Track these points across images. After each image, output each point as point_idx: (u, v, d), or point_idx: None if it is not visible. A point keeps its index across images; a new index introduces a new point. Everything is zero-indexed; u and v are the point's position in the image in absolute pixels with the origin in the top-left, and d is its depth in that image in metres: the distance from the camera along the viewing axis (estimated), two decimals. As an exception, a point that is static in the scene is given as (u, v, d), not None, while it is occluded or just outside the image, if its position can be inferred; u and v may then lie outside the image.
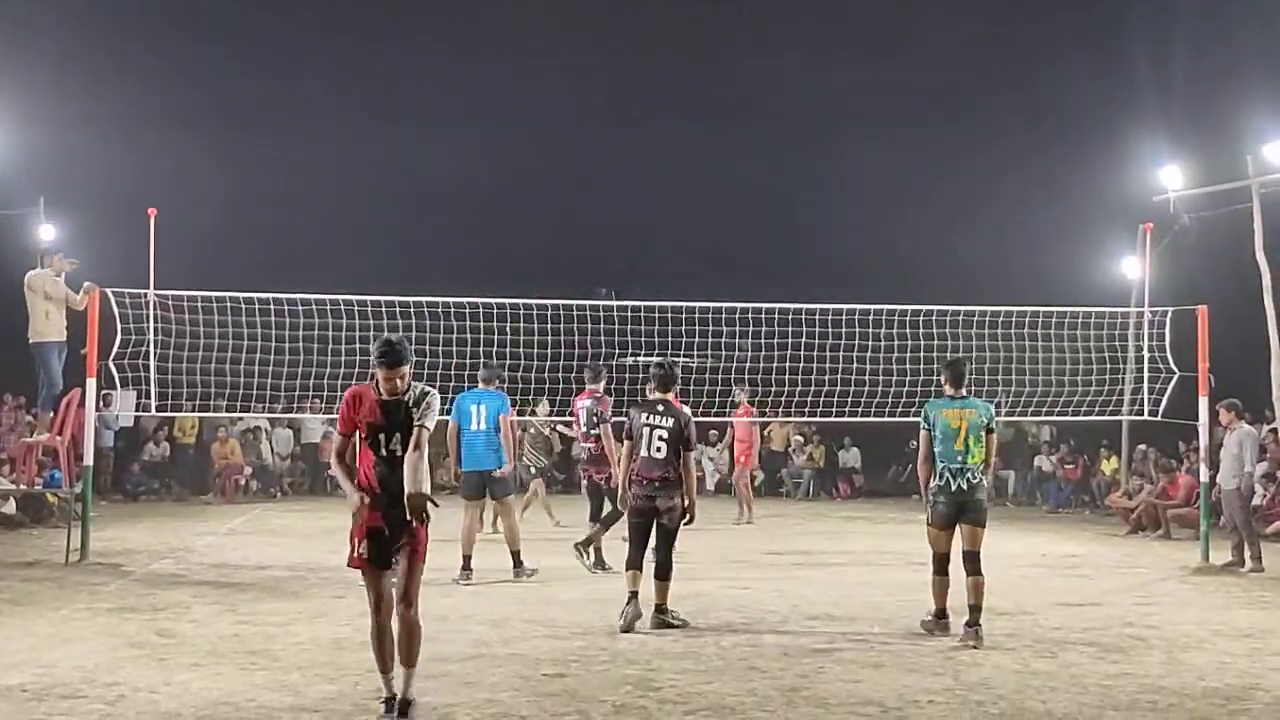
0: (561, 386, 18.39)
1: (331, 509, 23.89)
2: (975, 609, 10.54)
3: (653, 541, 11.08)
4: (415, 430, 7.41)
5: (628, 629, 10.59)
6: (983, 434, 10.76)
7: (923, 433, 10.93)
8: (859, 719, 7.62)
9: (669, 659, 9.44)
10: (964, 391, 11.05)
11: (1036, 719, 7.69)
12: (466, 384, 17.30)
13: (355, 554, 7.54)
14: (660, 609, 10.89)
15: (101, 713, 7.49)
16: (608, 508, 14.29)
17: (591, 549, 14.21)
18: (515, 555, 13.93)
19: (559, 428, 20.43)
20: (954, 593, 10.85)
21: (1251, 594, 13.79)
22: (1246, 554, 15.96)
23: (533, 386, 18.52)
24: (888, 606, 12.09)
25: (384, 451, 7.46)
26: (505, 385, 15.14)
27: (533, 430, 19.83)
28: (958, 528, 10.80)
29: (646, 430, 11.03)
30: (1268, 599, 13.41)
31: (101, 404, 17.14)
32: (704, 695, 8.22)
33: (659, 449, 10.97)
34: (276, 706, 7.72)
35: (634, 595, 10.84)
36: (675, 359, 14.91)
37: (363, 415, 7.49)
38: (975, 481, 10.73)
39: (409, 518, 7.31)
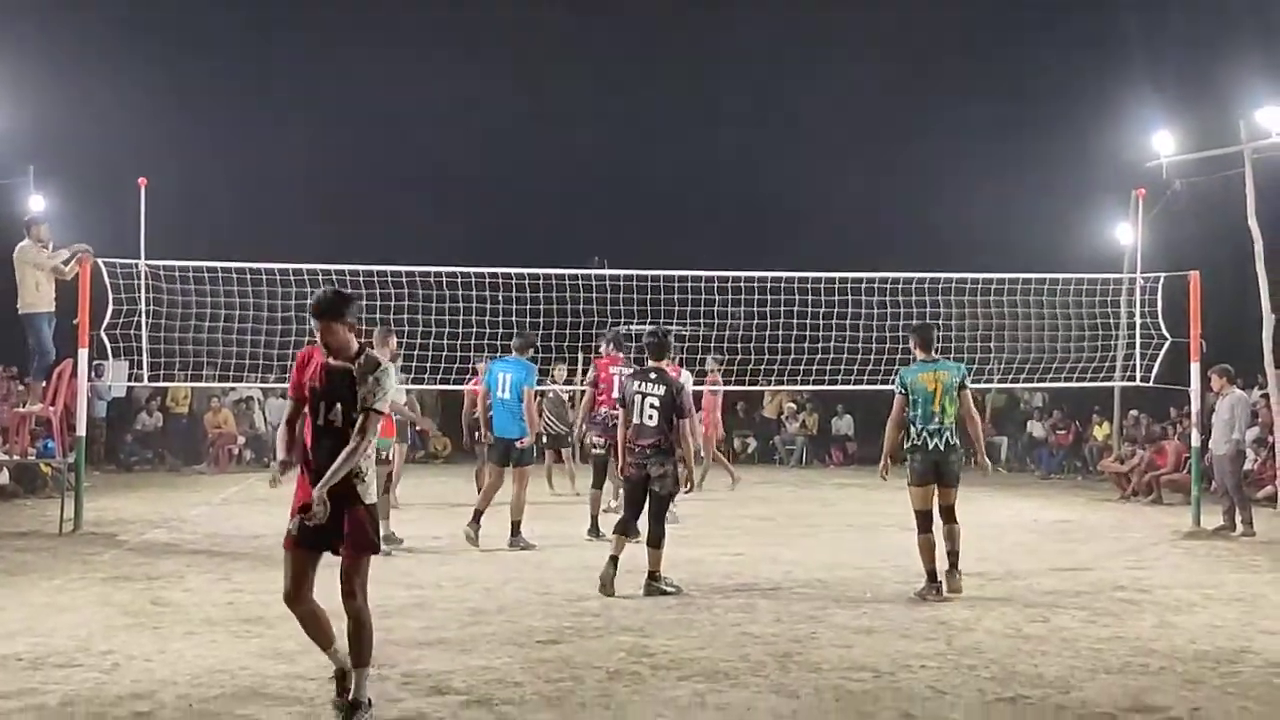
0: (554, 356, 18.39)
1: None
2: (953, 554, 11.08)
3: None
4: (362, 415, 6.72)
5: (605, 589, 10.77)
6: (956, 393, 11.06)
7: (897, 397, 11.19)
8: (852, 684, 7.65)
9: (662, 626, 9.48)
10: (933, 354, 11.34)
11: (1028, 682, 7.73)
12: (459, 354, 17.35)
13: (287, 532, 6.93)
14: (654, 576, 10.94)
15: (97, 680, 7.51)
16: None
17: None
18: (515, 525, 13.95)
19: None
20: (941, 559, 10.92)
21: (1242, 558, 13.86)
22: (1238, 519, 16.03)
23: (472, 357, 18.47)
24: (880, 572, 12.14)
25: (321, 420, 6.79)
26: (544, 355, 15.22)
27: (551, 396, 19.71)
28: (934, 486, 11.08)
29: (638, 398, 11.07)
30: (1258, 563, 13.48)
31: (94, 374, 17.08)
32: (697, 661, 8.25)
33: (650, 416, 11.01)
34: (271, 674, 7.75)
35: (614, 560, 10.95)
36: (669, 328, 15.01)
37: (307, 377, 6.88)
38: (952, 443, 11.04)
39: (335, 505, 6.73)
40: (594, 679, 7.73)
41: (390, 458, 14.07)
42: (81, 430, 15.50)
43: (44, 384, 15.88)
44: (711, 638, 9.07)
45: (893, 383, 11.39)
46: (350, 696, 6.83)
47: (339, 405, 6.75)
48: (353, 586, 6.82)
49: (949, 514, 11.16)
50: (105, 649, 8.37)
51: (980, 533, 15.41)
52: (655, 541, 11.01)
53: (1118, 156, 26.43)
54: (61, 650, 8.31)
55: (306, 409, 6.90)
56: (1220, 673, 8.10)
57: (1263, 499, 19.13)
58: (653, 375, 11.17)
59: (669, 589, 10.92)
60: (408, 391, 17.92)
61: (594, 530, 14.37)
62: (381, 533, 13.12)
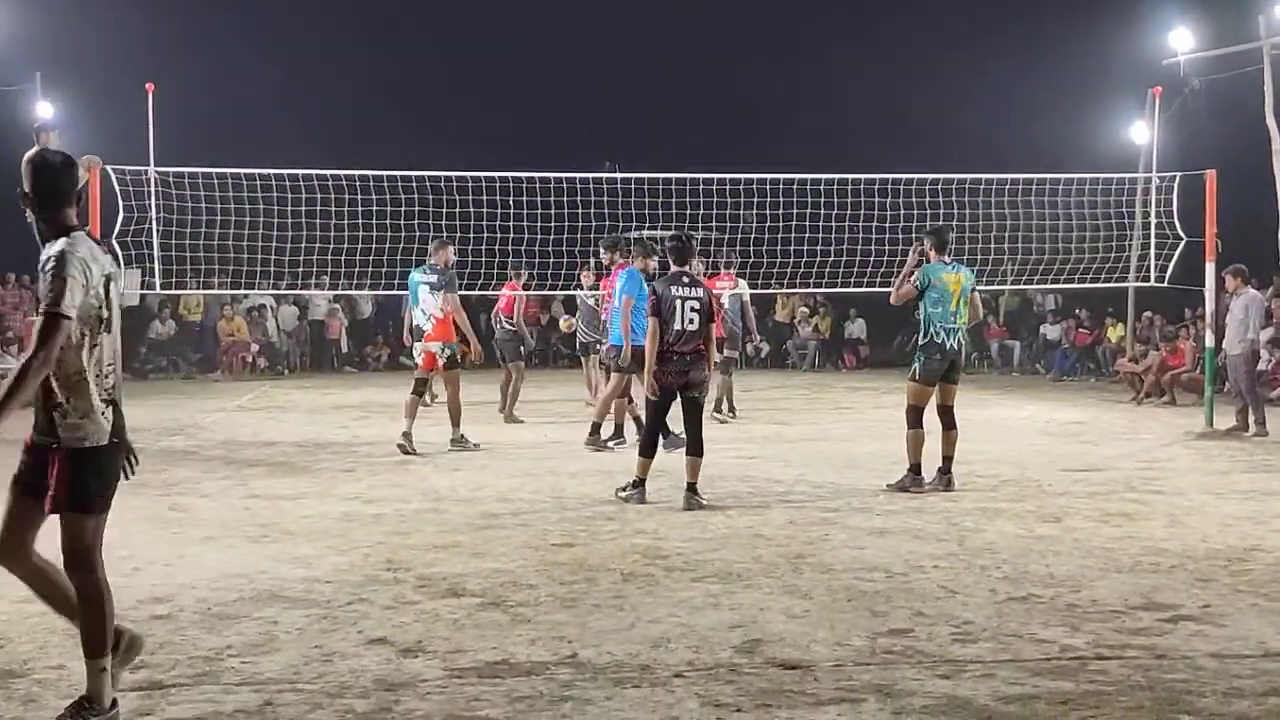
0: (566, 260, 18.35)
1: (337, 385, 24.04)
2: (949, 459, 11.46)
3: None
4: (40, 319, 5.02)
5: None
6: (968, 296, 11.49)
7: (911, 285, 11.50)
8: (864, 584, 7.70)
9: (676, 529, 9.53)
10: (948, 258, 11.60)
11: (1039, 582, 7.77)
12: (469, 260, 17.33)
13: None
14: (693, 488, 10.51)
15: (117, 585, 7.51)
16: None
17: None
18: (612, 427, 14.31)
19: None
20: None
21: (1255, 458, 13.88)
22: (1250, 419, 16.02)
23: (536, 261, 18.43)
24: (892, 475, 12.15)
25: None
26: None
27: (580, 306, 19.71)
28: (938, 385, 11.49)
29: (679, 303, 10.56)
30: (1271, 462, 13.49)
31: (142, 284, 17.07)
32: (710, 563, 8.31)
33: (691, 320, 10.58)
34: (289, 578, 7.82)
35: (642, 484, 10.69)
36: (693, 232, 15.01)
37: None
38: (965, 343, 11.81)
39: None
40: (608, 581, 7.79)
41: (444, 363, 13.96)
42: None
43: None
44: (724, 540, 9.12)
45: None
46: (82, 694, 5.28)
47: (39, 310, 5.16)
48: (68, 552, 5.25)
49: (949, 417, 11.52)
50: (124, 554, 8.42)
51: (993, 435, 15.45)
52: (700, 450, 10.60)
53: (1134, 55, 26.16)
54: (81, 556, 8.37)
55: None
56: (1231, 570, 8.14)
57: (1276, 399, 19.11)
58: (686, 279, 10.74)
59: (705, 503, 10.48)
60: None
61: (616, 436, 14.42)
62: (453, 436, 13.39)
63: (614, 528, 9.56)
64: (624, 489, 10.73)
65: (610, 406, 14.38)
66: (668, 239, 11.27)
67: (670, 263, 10.97)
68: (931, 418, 11.47)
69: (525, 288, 18.31)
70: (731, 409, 17.50)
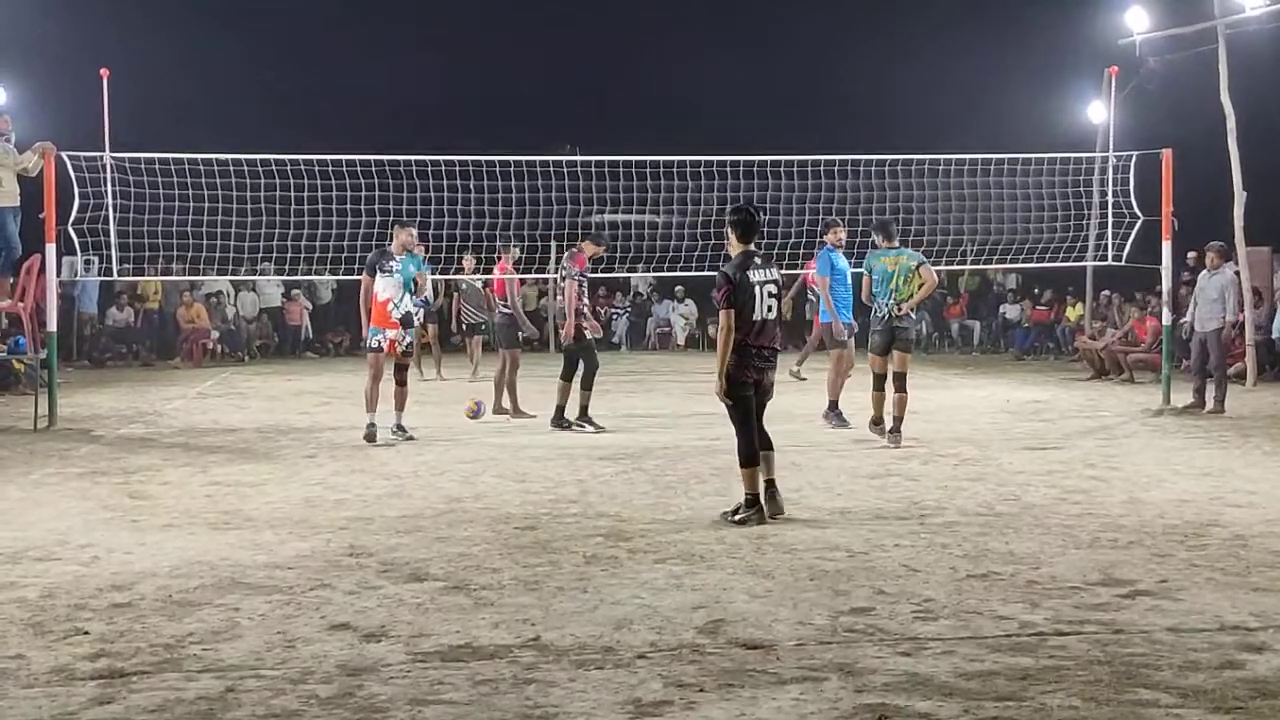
0: (526, 244, 18.31)
1: (298, 371, 23.93)
2: (899, 419, 12.89)
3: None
4: None
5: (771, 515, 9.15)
6: (912, 273, 12.91)
7: (865, 277, 13.26)
8: (826, 563, 7.74)
9: (639, 510, 9.55)
10: (895, 243, 13.30)
11: (999, 559, 7.83)
12: (430, 243, 17.30)
13: None
14: (771, 484, 9.36)
15: (77, 573, 7.54)
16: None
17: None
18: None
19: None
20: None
21: (1212, 434, 14.02)
22: (1208, 396, 16.10)
23: (498, 245, 18.36)
24: (854, 455, 12.24)
25: None
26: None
27: (465, 287, 20.00)
28: (892, 353, 12.98)
29: (758, 289, 9.13)
30: (1227, 439, 13.63)
31: (83, 269, 16.93)
32: (674, 545, 8.33)
33: (770, 308, 9.23)
34: (250, 564, 7.79)
35: (772, 484, 9.30)
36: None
37: None
38: (912, 315, 13.28)
39: None
40: (571, 563, 7.80)
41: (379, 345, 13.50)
42: (52, 326, 15.39)
43: (12, 280, 15.72)
44: (688, 521, 9.15)
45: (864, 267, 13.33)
46: None
47: None
48: None
49: (901, 382, 12.95)
50: (84, 542, 8.39)
51: (954, 414, 15.55)
52: (770, 445, 9.50)
53: (1090, 34, 26.30)
54: (40, 544, 8.33)
55: None
56: (1188, 545, 8.22)
57: (1233, 375, 19.28)
58: (758, 260, 9.30)
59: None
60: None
61: (560, 420, 14.38)
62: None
63: (577, 510, 9.57)
64: (734, 512, 9.08)
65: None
66: (730, 213, 9.59)
67: (733, 240, 9.39)
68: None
69: (516, 265, 16.85)
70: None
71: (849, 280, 14.61)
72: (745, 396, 9.28)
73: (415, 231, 14.07)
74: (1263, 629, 6.33)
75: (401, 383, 13.72)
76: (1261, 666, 5.75)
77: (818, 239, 15.13)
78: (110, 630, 6.35)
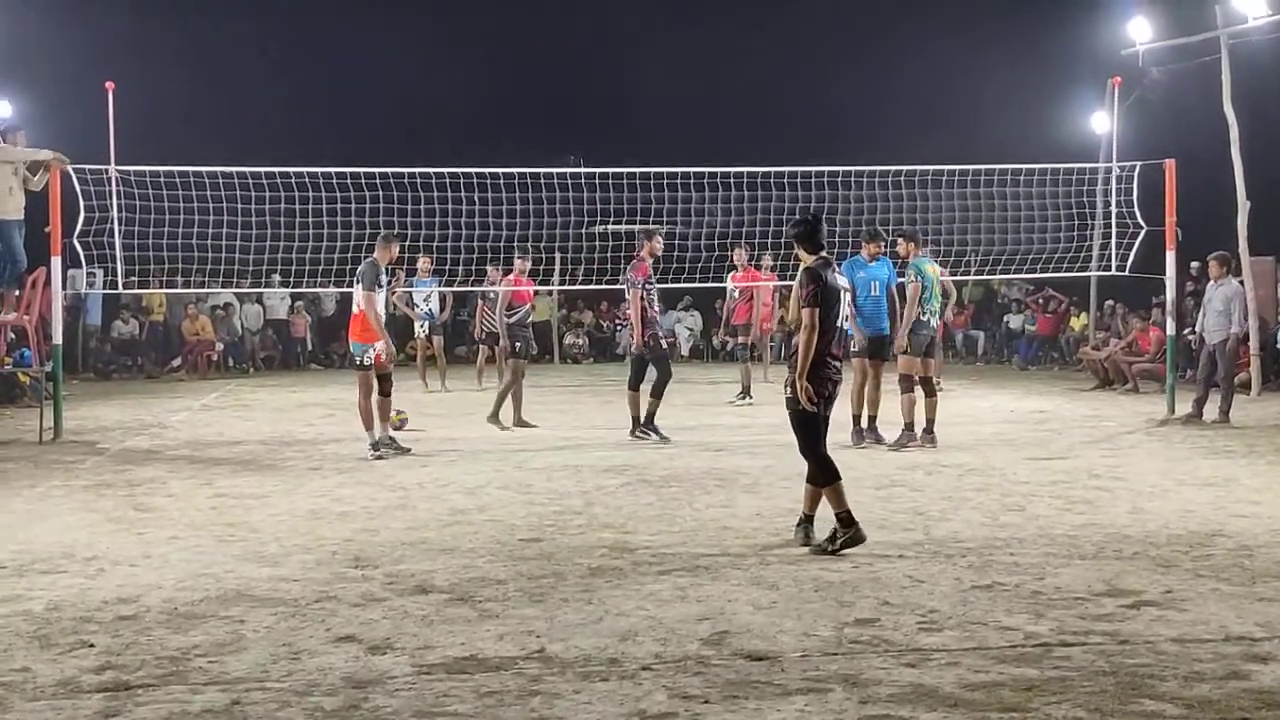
0: (532, 255, 18.30)
1: (303, 383, 23.95)
2: (931, 421, 13.59)
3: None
4: None
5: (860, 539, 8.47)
6: (888, 286, 13.84)
7: (913, 284, 13.53)
8: (831, 574, 7.75)
9: (644, 522, 9.56)
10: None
11: (1004, 570, 7.83)
12: (434, 255, 17.30)
13: None
14: (809, 519, 8.85)
15: (82, 586, 7.55)
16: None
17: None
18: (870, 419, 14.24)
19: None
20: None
21: (1215, 444, 14.00)
22: (1208, 406, 16.05)
23: (502, 256, 18.40)
24: (859, 465, 12.23)
25: None
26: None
27: (492, 296, 19.95)
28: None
29: (841, 294, 8.89)
30: (1231, 448, 13.62)
31: (86, 284, 16.96)
32: (678, 556, 8.33)
33: (845, 317, 9.07)
34: (255, 577, 7.80)
35: (850, 514, 8.53)
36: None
37: None
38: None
39: None
40: (576, 575, 7.81)
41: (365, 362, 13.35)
42: (57, 339, 15.43)
43: (17, 293, 15.75)
44: (692, 533, 9.15)
45: (906, 274, 13.70)
46: None
47: None
48: None
49: (931, 386, 13.68)
50: (89, 555, 8.40)
51: (958, 424, 15.53)
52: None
53: (1093, 45, 26.32)
54: (45, 557, 8.34)
55: None
56: (1193, 556, 8.22)
57: (1237, 385, 19.25)
58: (833, 267, 8.97)
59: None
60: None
61: (648, 425, 14.39)
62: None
63: (581, 522, 9.58)
64: (831, 540, 8.43)
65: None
66: (791, 227, 9.19)
67: (803, 254, 8.89)
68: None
69: (532, 276, 16.73)
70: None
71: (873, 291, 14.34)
72: (820, 410, 8.78)
73: (394, 246, 13.91)
74: (1268, 639, 6.33)
75: (385, 393, 13.44)
76: (1267, 677, 5.75)
77: (849, 250, 15.07)
78: (115, 643, 6.36)
